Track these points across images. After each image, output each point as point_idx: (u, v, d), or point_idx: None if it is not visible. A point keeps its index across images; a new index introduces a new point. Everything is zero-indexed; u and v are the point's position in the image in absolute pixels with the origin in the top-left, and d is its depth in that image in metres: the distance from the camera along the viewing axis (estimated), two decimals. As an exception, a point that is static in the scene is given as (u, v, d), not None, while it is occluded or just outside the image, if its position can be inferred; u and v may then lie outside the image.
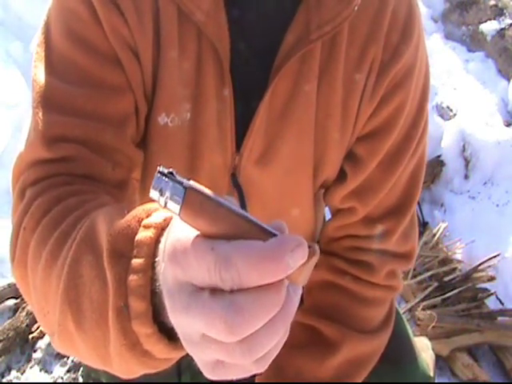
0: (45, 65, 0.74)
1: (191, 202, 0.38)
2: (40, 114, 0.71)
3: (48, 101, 0.72)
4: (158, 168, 0.39)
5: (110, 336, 0.50)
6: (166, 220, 0.48)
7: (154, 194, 0.39)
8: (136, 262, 0.47)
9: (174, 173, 0.39)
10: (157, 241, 0.47)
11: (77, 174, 0.69)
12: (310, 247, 0.39)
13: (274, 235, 0.38)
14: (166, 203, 0.38)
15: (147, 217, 0.49)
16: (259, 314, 0.37)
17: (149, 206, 0.51)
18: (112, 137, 0.72)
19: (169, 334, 0.47)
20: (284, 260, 0.36)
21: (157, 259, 0.46)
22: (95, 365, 0.56)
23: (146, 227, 0.48)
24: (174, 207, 0.38)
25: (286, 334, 0.40)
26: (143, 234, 0.48)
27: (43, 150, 0.69)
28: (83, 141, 0.70)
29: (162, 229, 0.47)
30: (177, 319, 0.41)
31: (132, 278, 0.47)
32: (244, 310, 0.36)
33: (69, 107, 0.71)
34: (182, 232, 0.39)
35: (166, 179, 0.39)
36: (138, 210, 0.51)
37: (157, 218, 0.48)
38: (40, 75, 0.74)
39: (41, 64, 0.75)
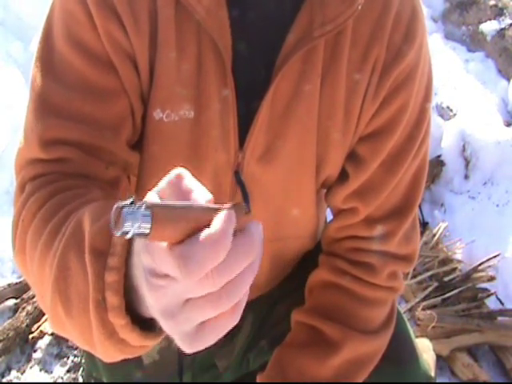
0: (44, 65, 0.76)
1: (159, 219, 0.39)
2: (37, 115, 0.74)
3: (45, 103, 0.75)
4: (117, 205, 0.39)
5: (92, 325, 0.55)
6: None
7: (120, 231, 0.39)
8: (111, 259, 0.52)
9: (133, 201, 0.40)
10: (131, 240, 0.51)
11: (71, 173, 0.72)
12: (236, 205, 0.43)
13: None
14: (134, 233, 0.39)
15: None
16: (239, 258, 0.42)
17: None
18: (107, 140, 0.75)
19: (145, 325, 0.53)
20: (229, 235, 0.41)
21: (131, 257, 0.51)
22: (83, 347, 0.62)
23: None
24: (144, 231, 0.39)
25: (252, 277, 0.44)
26: None
27: (40, 152, 0.73)
28: (78, 143, 0.73)
29: None
30: (157, 298, 0.44)
31: (108, 274, 0.52)
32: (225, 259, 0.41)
33: (65, 110, 0.74)
34: None
35: (130, 210, 0.39)
36: None
37: None
38: (39, 75, 0.75)
39: (40, 63, 0.76)
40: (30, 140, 0.75)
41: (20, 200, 0.72)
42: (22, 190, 0.73)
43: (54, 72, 0.75)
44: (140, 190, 0.86)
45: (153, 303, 0.45)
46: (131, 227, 0.39)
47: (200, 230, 0.41)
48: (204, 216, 0.42)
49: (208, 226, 0.41)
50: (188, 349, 0.45)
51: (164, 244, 0.41)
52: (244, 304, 0.45)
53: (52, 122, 0.73)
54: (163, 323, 0.45)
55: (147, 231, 0.39)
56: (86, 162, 0.73)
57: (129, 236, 0.39)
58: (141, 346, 0.55)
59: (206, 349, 0.44)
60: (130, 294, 0.52)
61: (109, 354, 0.58)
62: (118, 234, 0.39)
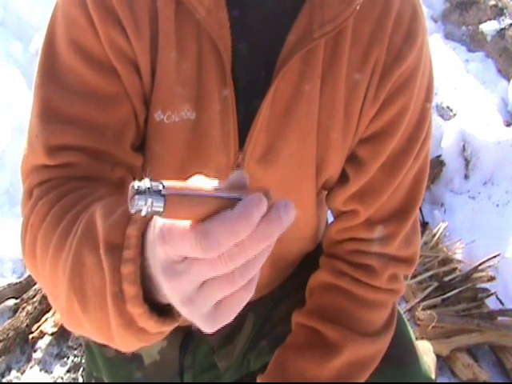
0: (47, 70, 0.77)
1: (171, 205, 0.42)
2: (41, 121, 0.75)
3: (48, 108, 0.75)
4: (132, 184, 0.42)
5: (110, 318, 0.57)
6: None
7: (134, 209, 0.41)
8: (127, 252, 0.54)
9: (150, 183, 0.42)
10: (144, 232, 0.54)
11: (77, 177, 0.74)
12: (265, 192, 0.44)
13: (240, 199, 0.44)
14: (147, 212, 0.41)
15: None
16: (255, 244, 0.43)
17: None
18: (111, 145, 0.76)
19: (161, 311, 0.54)
20: (252, 217, 0.42)
21: (145, 248, 0.53)
22: (100, 341, 0.64)
23: (134, 221, 0.55)
24: (158, 209, 0.42)
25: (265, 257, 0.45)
26: (132, 227, 0.55)
27: (45, 158, 0.74)
28: (83, 148, 0.74)
29: (147, 221, 0.53)
30: (174, 286, 0.46)
31: (124, 266, 0.54)
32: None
33: (68, 116, 0.74)
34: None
35: (142, 189, 0.41)
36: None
37: None
38: (42, 81, 0.76)
39: (43, 69, 0.77)
40: (35, 146, 0.76)
41: (28, 205, 0.73)
42: (29, 196, 0.75)
43: (57, 78, 0.75)
44: None
45: (170, 292, 0.46)
46: (144, 205, 0.41)
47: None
48: (227, 201, 0.43)
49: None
50: (210, 328, 0.47)
51: (186, 225, 0.43)
52: (257, 278, 0.46)
53: (56, 127, 0.74)
54: (182, 309, 0.47)
55: (161, 209, 0.41)
56: (91, 165, 0.74)
57: (143, 214, 0.41)
58: (158, 332, 0.57)
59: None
60: (145, 283, 0.53)
61: (127, 344, 0.60)
62: (133, 211, 0.41)
